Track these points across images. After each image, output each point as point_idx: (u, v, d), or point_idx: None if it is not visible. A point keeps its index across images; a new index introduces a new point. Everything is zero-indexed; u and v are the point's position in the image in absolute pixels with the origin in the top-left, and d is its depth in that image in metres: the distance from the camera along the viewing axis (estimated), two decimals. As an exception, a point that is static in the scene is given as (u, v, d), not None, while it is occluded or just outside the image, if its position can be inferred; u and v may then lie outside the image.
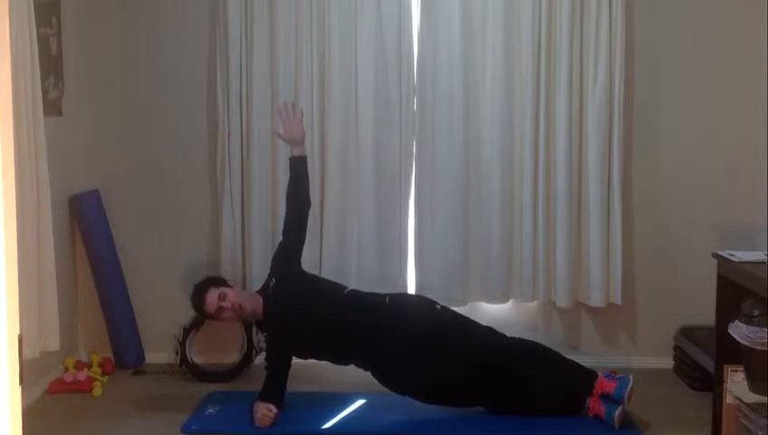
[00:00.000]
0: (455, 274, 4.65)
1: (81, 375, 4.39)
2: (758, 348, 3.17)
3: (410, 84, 4.61)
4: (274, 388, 3.94)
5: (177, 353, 4.62)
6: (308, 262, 4.34)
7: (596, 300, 4.62)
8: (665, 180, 4.74)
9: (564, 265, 4.60)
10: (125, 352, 4.73)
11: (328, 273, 4.55)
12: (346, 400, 4.21)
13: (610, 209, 4.60)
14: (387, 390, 4.02)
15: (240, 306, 4.02)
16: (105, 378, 4.52)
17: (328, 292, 4.14)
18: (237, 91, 4.60)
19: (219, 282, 4.17)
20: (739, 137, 4.69)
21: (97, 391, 4.35)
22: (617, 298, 4.63)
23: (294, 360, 4.05)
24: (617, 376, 3.93)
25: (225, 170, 4.63)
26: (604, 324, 4.81)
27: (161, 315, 4.77)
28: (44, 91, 4.09)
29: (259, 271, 4.54)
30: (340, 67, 4.59)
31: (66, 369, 4.52)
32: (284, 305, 4.07)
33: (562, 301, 4.64)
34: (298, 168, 4.16)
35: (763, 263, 3.31)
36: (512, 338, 4.10)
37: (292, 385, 4.03)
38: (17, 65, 3.59)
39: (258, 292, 4.17)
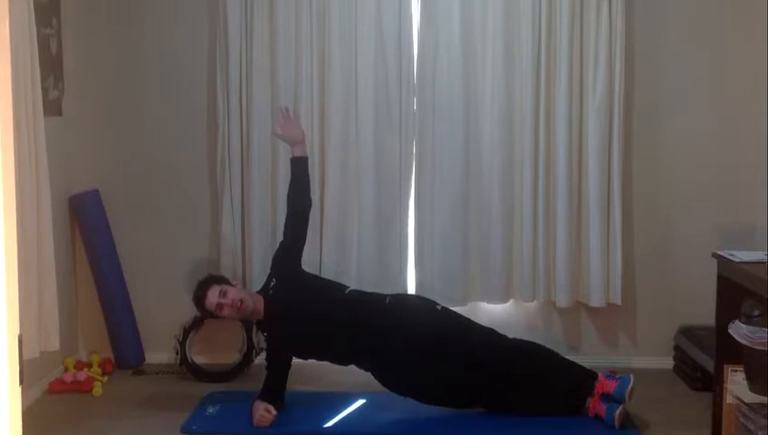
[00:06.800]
0: (455, 273, 4.65)
1: (81, 375, 4.39)
2: (758, 348, 3.17)
3: (410, 84, 4.61)
4: (274, 388, 3.94)
5: (177, 353, 4.62)
6: (308, 262, 4.34)
7: (596, 300, 4.62)
8: (665, 180, 4.74)
9: (564, 265, 4.59)
10: (125, 352, 4.73)
11: (328, 273, 4.55)
12: (346, 400, 4.21)
13: (610, 209, 4.60)
14: (387, 390, 4.02)
15: (241, 303, 4.01)
16: (105, 378, 4.52)
17: (329, 292, 4.14)
18: (237, 92, 4.60)
19: (221, 280, 4.18)
20: (739, 136, 4.69)
21: (97, 391, 4.35)
22: (617, 298, 4.62)
23: (294, 360, 4.06)
24: (617, 376, 3.94)
25: (225, 170, 4.63)
26: (604, 324, 4.81)
27: (161, 315, 4.77)
28: (44, 91, 4.08)
29: (259, 271, 4.55)
30: (340, 67, 4.59)
31: (66, 369, 4.52)
32: (285, 305, 4.07)
33: (562, 301, 4.64)
34: (299, 168, 4.17)
35: (763, 263, 3.30)
36: (512, 339, 4.10)
37: (292, 385, 4.04)
38: (17, 65, 3.59)
39: (259, 292, 4.18)
